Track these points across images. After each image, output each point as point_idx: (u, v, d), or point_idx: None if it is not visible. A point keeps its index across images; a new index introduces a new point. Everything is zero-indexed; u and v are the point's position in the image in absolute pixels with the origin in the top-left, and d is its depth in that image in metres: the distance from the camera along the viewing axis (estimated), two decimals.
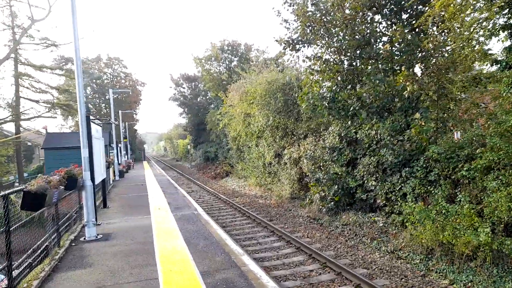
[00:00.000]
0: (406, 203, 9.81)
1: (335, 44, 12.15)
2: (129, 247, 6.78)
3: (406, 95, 10.03)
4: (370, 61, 11.69)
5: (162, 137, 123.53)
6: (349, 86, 12.74)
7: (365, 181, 12.46)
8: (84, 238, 7.44)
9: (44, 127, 21.95)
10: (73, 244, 7.10)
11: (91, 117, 9.34)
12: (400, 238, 9.85)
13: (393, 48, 10.88)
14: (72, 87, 47.87)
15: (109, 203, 12.33)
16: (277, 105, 18.03)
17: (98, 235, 7.67)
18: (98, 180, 9.44)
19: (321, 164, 15.10)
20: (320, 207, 14.29)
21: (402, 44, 10.31)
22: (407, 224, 9.65)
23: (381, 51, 10.60)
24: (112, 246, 6.86)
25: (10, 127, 28.78)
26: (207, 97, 53.80)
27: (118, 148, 34.21)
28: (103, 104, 51.41)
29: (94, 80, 49.34)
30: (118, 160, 31.08)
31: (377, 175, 11.80)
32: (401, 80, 9.68)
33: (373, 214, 12.61)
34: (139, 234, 7.67)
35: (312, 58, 13.64)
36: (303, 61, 13.75)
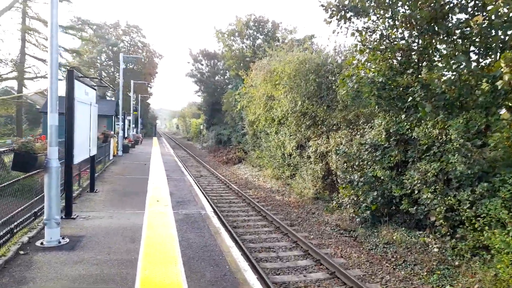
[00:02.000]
0: (487, 230, 7.29)
1: (400, 14, 9.43)
2: (100, 268, 4.46)
3: (500, 86, 7.36)
4: (448, 38, 8.97)
5: (175, 114, 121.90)
6: (410, 70, 10.06)
7: (416, 191, 9.93)
8: (42, 243, 5.16)
9: (45, 89, 19.80)
10: (21, 252, 4.82)
11: (79, 74, 6.98)
12: (471, 274, 7.36)
13: (485, 22, 8.13)
14: (88, 53, 45.88)
15: (99, 186, 10.08)
16: (308, 89, 15.43)
17: (63, 237, 5.38)
18: (80, 157, 7.15)
19: (357, 164, 12.58)
20: (352, 215, 11.84)
21: (504, 16, 7.57)
22: (484, 256, 7.16)
23: (471, 25, 7.87)
24: (75, 264, 4.54)
25: (14, 86, 26.82)
26: (226, 76, 51.25)
27: (126, 121, 32.13)
28: (117, 74, 49.21)
29: (109, 47, 47.10)
30: (124, 133, 29.01)
31: (436, 187, 9.25)
32: (502, 65, 7.00)
33: (420, 232, 10.13)
34: (122, 244, 5.36)
35: (364, 32, 10.97)
36: (352, 34, 11.10)
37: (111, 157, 16.51)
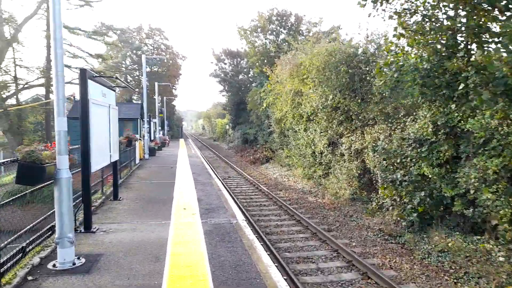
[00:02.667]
0: None
1: None
2: None
3: None
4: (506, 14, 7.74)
5: (201, 115, 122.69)
6: (461, 53, 8.86)
7: (473, 191, 8.74)
8: (54, 265, 4.53)
9: (72, 94, 19.80)
10: (29, 278, 4.20)
11: (93, 73, 6.37)
12: None
13: None
14: (113, 58, 46.46)
15: (123, 193, 9.54)
16: (340, 81, 14.36)
17: (79, 257, 4.74)
18: (98, 165, 6.55)
19: (398, 161, 11.44)
20: (396, 218, 10.73)
21: None
22: None
23: None
24: None
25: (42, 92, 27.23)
26: (249, 75, 50.56)
27: (152, 124, 32.04)
28: (142, 77, 49.70)
29: (134, 51, 47.50)
30: (150, 136, 28.87)
31: (499, 185, 8.04)
32: None
33: (478, 237, 8.93)
34: (144, 264, 4.67)
35: (404, 14, 9.84)
36: (390, 17, 9.98)
37: (137, 161, 16.13)
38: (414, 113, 11.36)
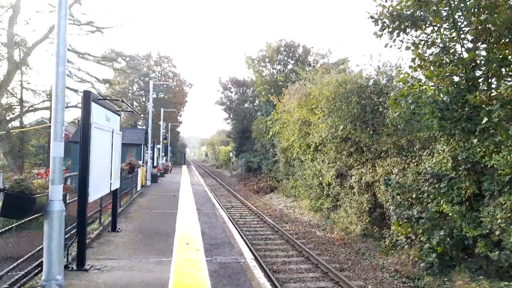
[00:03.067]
0: None
1: (473, 20, 8.01)
2: None
3: None
4: None
5: (204, 142, 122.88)
6: (484, 86, 8.49)
7: (498, 232, 8.10)
8: None
9: (76, 118, 19.54)
10: None
11: (97, 95, 5.99)
12: None
13: None
14: (121, 83, 46.94)
15: (123, 223, 8.94)
16: (351, 112, 13.99)
17: None
18: (97, 194, 6.04)
19: (414, 196, 10.84)
20: (414, 258, 9.98)
21: None
22: None
23: None
24: None
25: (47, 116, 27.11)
26: (255, 103, 50.78)
27: (156, 149, 31.68)
28: (149, 103, 49.97)
29: (141, 77, 48.00)
30: (154, 162, 28.41)
31: None
32: None
33: (506, 283, 8.16)
34: None
35: (421, 45, 9.59)
36: (407, 48, 9.73)
37: (138, 188, 15.56)
38: (431, 147, 10.88)
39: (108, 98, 6.17)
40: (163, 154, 34.47)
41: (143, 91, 49.37)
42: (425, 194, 10.41)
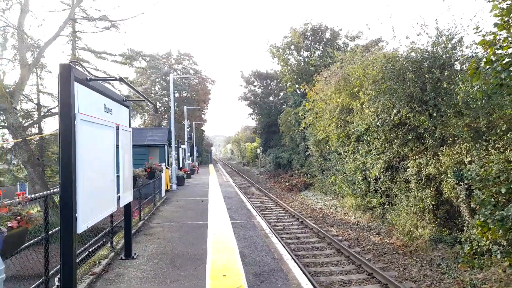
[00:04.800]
0: None
1: None
2: None
3: None
4: None
5: (229, 140, 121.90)
6: None
7: None
8: None
9: None
10: None
11: (86, 72, 4.13)
12: None
13: None
14: (143, 84, 46.04)
15: (141, 244, 7.15)
16: (406, 92, 11.65)
17: None
18: (93, 218, 4.20)
19: (503, 191, 8.45)
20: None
21: None
22: None
23: None
24: None
25: None
26: (279, 96, 48.64)
27: (181, 150, 30.20)
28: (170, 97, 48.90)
29: (163, 77, 46.86)
30: (179, 163, 26.90)
31: None
32: None
33: None
34: None
35: None
36: None
37: (163, 194, 13.90)
38: None
39: (107, 78, 4.25)
40: (188, 154, 33.02)
41: (165, 91, 48.26)
42: None
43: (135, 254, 6.33)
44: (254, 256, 6.27)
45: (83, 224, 3.83)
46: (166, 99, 49.50)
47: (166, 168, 16.52)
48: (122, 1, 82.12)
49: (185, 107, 30.67)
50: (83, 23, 22.89)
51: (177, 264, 5.87)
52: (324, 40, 29.10)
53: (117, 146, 5.39)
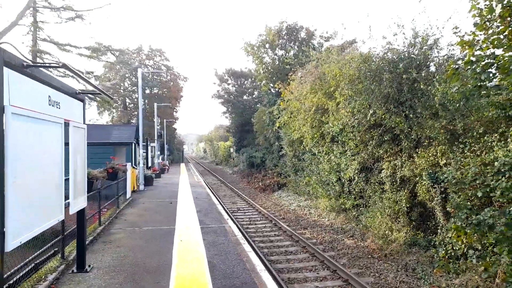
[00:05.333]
0: None
1: None
2: None
3: None
4: None
5: (202, 138, 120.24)
6: None
7: None
8: None
9: None
10: None
11: (22, 57, 3.42)
12: None
13: None
14: (111, 80, 44.14)
15: (98, 254, 6.41)
16: (382, 92, 11.46)
17: None
18: (29, 231, 3.48)
19: (479, 195, 8.34)
20: (492, 278, 7.52)
21: None
22: None
23: None
24: None
25: None
26: (254, 95, 48.21)
27: (150, 148, 29.09)
28: (142, 100, 47.23)
29: (133, 72, 45.16)
30: (148, 163, 25.83)
31: None
32: None
33: None
34: None
35: None
36: None
37: (128, 195, 13.03)
38: (500, 131, 8.40)
39: (50, 63, 3.50)
40: (158, 152, 31.89)
41: (135, 87, 46.52)
42: (498, 192, 7.93)
43: (89, 266, 5.60)
44: (224, 267, 5.71)
45: (14, 240, 3.13)
46: (136, 95, 47.81)
47: (133, 167, 15.60)
48: None
49: (155, 104, 29.51)
50: (46, 12, 21.43)
51: (137, 278, 5.21)
52: (299, 39, 28.88)
53: (67, 145, 4.67)
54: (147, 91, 48.20)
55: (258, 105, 43.95)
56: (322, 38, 28.88)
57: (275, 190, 25.34)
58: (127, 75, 45.80)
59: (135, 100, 47.30)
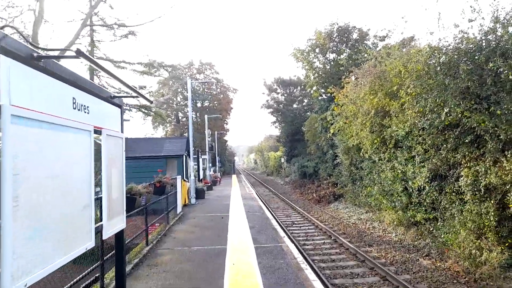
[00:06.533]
0: None
1: None
2: None
3: None
4: None
5: (252, 149, 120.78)
6: None
7: None
8: None
9: None
10: None
11: (29, 44, 2.77)
12: None
13: None
14: (164, 95, 45.59)
15: (140, 282, 5.69)
16: (459, 87, 9.82)
17: None
18: (41, 267, 2.77)
19: None
20: None
21: None
22: None
23: None
24: None
25: None
26: (303, 103, 47.01)
27: (202, 160, 29.02)
28: (193, 113, 48.11)
29: (184, 87, 46.27)
30: (199, 175, 25.66)
31: None
32: None
33: None
34: None
35: None
36: None
37: (179, 210, 12.52)
38: None
39: (52, 55, 2.76)
40: (210, 164, 31.81)
41: (187, 101, 47.65)
42: None
43: None
44: None
45: (15, 283, 2.39)
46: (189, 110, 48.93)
47: (184, 180, 15.19)
48: (140, 9, 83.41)
49: (205, 115, 29.52)
50: (102, 32, 22.32)
51: None
52: (352, 41, 27.36)
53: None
54: (198, 105, 49.13)
55: (308, 113, 42.67)
56: (377, 38, 27.07)
57: (331, 202, 23.78)
58: (179, 90, 47.08)
59: (187, 113, 48.36)
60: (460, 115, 9.98)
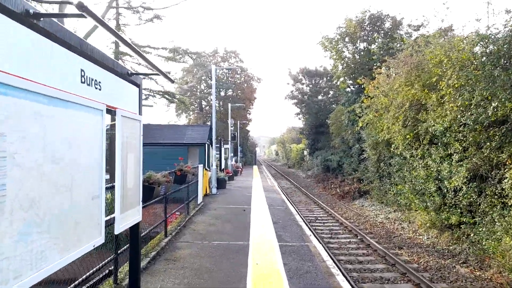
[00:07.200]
0: None
1: None
2: None
3: None
4: None
5: (274, 140, 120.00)
6: None
7: None
8: None
9: None
10: None
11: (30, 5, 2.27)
12: None
13: None
14: (188, 82, 45.45)
15: (156, 279, 5.26)
16: (511, 78, 8.81)
17: None
18: (35, 270, 2.30)
19: None
20: None
21: None
22: None
23: None
24: None
25: None
26: (329, 95, 45.76)
27: (224, 150, 28.66)
28: (216, 101, 47.87)
29: (208, 74, 45.98)
30: (221, 165, 25.32)
31: None
32: None
33: None
34: None
35: None
36: None
37: (199, 200, 12.14)
38: None
39: (51, 13, 2.23)
40: (232, 154, 31.45)
41: (210, 89, 47.40)
42: None
43: None
44: None
45: (4, 287, 1.92)
46: (211, 97, 48.69)
47: (206, 169, 14.80)
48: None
49: (229, 104, 29.07)
50: (127, 15, 22.15)
51: None
52: (384, 30, 26.04)
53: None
54: (222, 93, 48.75)
55: (333, 105, 41.49)
56: (411, 27, 25.61)
57: (355, 198, 22.93)
58: (203, 78, 46.82)
59: (211, 101, 48.14)
60: (509, 110, 9.00)
